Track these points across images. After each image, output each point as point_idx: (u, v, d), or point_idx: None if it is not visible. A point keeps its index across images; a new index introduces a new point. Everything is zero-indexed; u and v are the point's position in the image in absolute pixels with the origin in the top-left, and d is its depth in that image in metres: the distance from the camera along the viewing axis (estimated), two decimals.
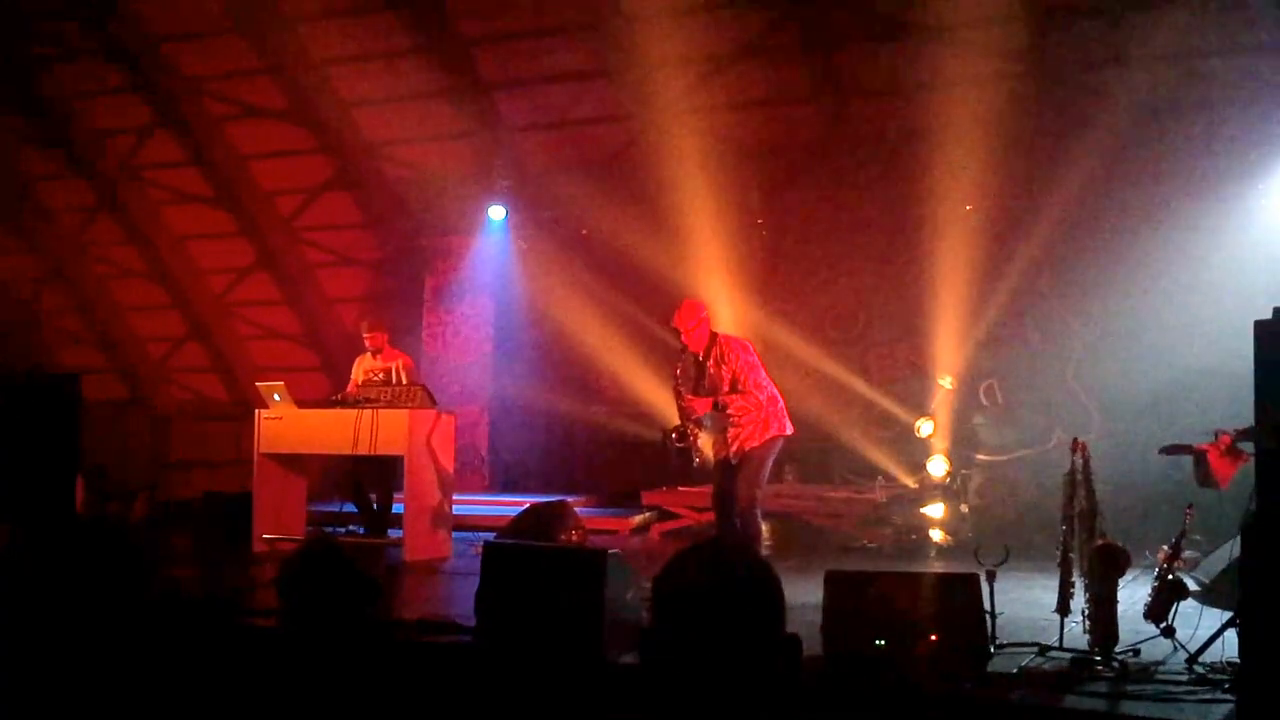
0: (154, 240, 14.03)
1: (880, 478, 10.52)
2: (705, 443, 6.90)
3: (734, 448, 6.74)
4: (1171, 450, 5.53)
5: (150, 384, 14.98)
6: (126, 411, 13.64)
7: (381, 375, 8.82)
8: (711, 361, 6.81)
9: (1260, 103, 9.14)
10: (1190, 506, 5.33)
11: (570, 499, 10.15)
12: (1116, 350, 9.52)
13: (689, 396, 6.79)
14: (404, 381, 8.71)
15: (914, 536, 9.38)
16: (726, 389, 6.71)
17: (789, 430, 6.89)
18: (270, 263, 13.81)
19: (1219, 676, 4.52)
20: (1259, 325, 3.96)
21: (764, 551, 6.90)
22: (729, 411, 6.72)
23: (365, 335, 9.00)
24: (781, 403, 6.89)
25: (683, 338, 6.82)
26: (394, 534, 8.66)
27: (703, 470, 6.99)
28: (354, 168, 12.84)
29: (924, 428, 10.53)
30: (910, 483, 10.43)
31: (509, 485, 12.34)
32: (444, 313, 13.15)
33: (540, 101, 11.78)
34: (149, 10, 11.71)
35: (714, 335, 6.87)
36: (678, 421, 6.86)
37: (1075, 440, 5.23)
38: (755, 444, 6.72)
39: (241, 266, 13.98)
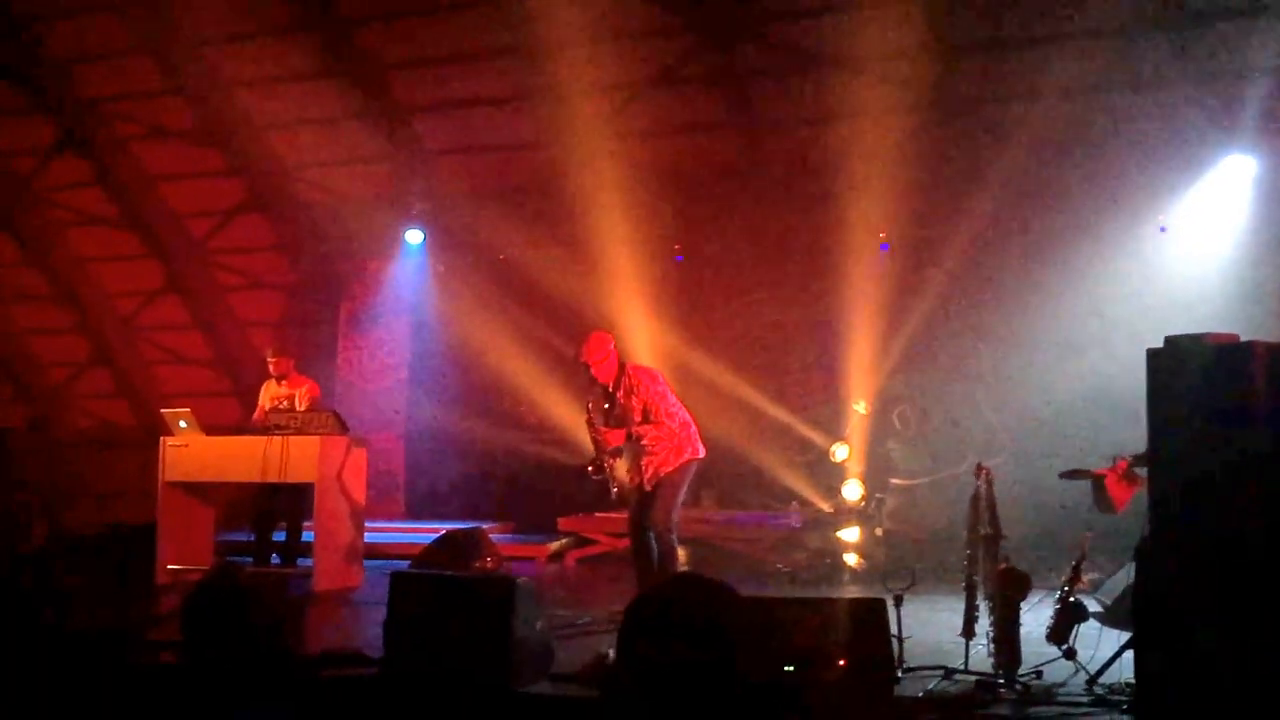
0: (56, 262, 13.67)
1: (795, 502, 10.59)
2: (621, 471, 6.90)
3: (648, 474, 6.77)
4: (1071, 475, 5.64)
5: (52, 410, 14.55)
6: (26, 438, 13.22)
7: (287, 402, 8.69)
8: (621, 392, 6.83)
9: (1159, 138, 9.44)
10: (1089, 531, 5.44)
11: (486, 525, 10.08)
12: (1023, 374, 9.73)
13: (603, 430, 6.80)
14: (303, 408, 8.59)
15: (829, 560, 9.44)
16: (638, 419, 6.73)
17: (701, 453, 6.92)
18: (180, 286, 13.54)
19: (1118, 697, 4.60)
20: (1151, 354, 4.07)
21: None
22: (643, 442, 6.75)
23: (270, 360, 8.88)
24: (693, 427, 6.92)
25: (591, 371, 6.82)
26: (303, 563, 8.50)
27: (620, 500, 6.99)
28: (267, 190, 12.67)
29: (839, 452, 10.65)
30: (825, 507, 10.52)
31: (425, 512, 12.19)
32: (359, 337, 13.00)
33: (458, 125, 11.74)
34: (53, 31, 11.45)
35: (623, 366, 6.88)
36: (593, 454, 6.85)
37: (979, 465, 5.31)
38: (669, 469, 6.76)
39: (150, 289, 13.68)
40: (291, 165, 12.33)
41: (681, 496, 6.91)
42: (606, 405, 6.85)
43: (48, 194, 13.22)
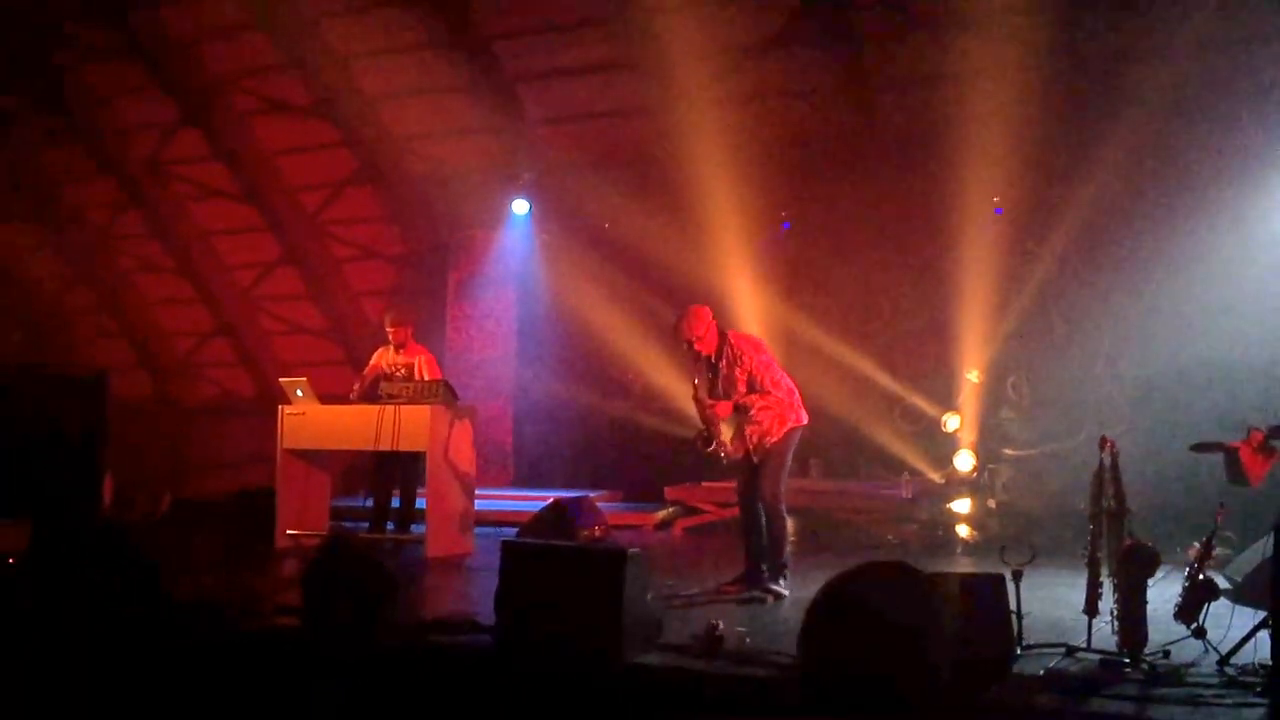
0: (180, 235, 14.10)
1: (906, 473, 10.43)
2: (727, 436, 6.84)
3: (753, 443, 6.69)
4: (1202, 448, 5.41)
5: (177, 380, 15.06)
6: (153, 408, 13.71)
7: (404, 370, 8.79)
8: (724, 363, 6.74)
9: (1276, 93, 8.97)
10: (1222, 505, 5.22)
11: (593, 494, 10.15)
12: (1145, 344, 9.39)
13: (711, 402, 6.73)
14: (425, 377, 8.68)
15: (940, 532, 9.31)
16: (743, 389, 6.65)
17: (805, 420, 6.80)
18: (296, 257, 13.84)
19: (1251, 679, 4.43)
20: None
21: (788, 547, 6.80)
22: (750, 412, 6.69)
23: (389, 329, 8.95)
24: (797, 394, 6.81)
25: (695, 346, 6.73)
26: (417, 530, 8.65)
27: (734, 465, 6.90)
28: (377, 162, 12.84)
29: (951, 422, 10.44)
30: (937, 478, 10.34)
31: (533, 480, 12.33)
32: (468, 307, 13.14)
33: (562, 95, 11.72)
34: (174, 9, 11.75)
35: (724, 335, 6.78)
36: (701, 427, 6.79)
37: (1103, 438, 5.13)
38: (774, 438, 6.67)
39: (267, 261, 14.02)
40: (400, 137, 12.47)
41: (788, 466, 6.82)
42: (711, 375, 6.78)
43: (172, 168, 13.62)
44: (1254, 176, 9.24)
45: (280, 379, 9.05)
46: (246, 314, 14.50)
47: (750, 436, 6.71)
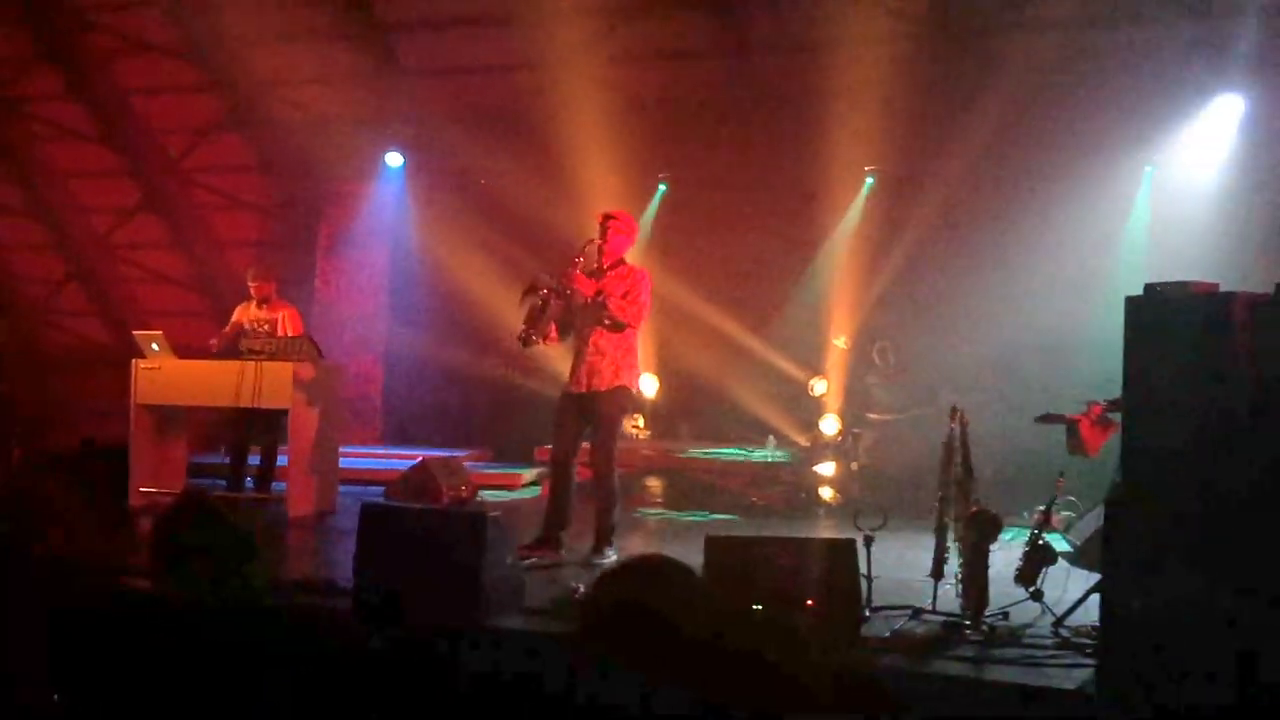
0: (33, 177, 13.44)
1: (772, 436, 10.61)
2: (546, 321, 6.52)
3: (586, 380, 6.50)
4: (1046, 419, 5.62)
5: (30, 327, 14.41)
6: (2, 356, 13.10)
7: (266, 326, 8.61)
8: (613, 275, 6.54)
9: (1151, 76, 9.30)
10: (1062, 474, 5.45)
11: (462, 454, 10.09)
12: (1003, 316, 9.68)
13: (577, 275, 6.47)
14: (289, 333, 8.49)
15: (804, 495, 9.50)
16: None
17: (636, 388, 6.77)
18: (158, 204, 13.34)
19: (1082, 640, 4.64)
20: (1130, 302, 4.02)
21: (616, 514, 6.64)
22: (605, 316, 6.42)
23: (251, 284, 8.77)
24: (639, 365, 6.76)
25: (607, 233, 6.52)
26: (278, 488, 8.49)
27: (524, 341, 6.54)
28: (246, 108, 12.42)
29: (818, 386, 10.66)
30: (803, 441, 10.55)
31: (401, 438, 12.18)
32: (338, 260, 12.87)
33: (440, 46, 11.49)
34: None
35: (624, 260, 6.63)
36: (545, 284, 6.48)
37: (953, 408, 5.30)
38: (604, 387, 6.47)
39: (127, 207, 13.48)
40: (269, 82, 12.07)
41: (619, 430, 6.72)
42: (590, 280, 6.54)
43: (25, 105, 12.95)
44: (1109, 156, 9.59)
45: (135, 332, 8.74)
46: (104, 261, 13.94)
47: (585, 372, 6.50)
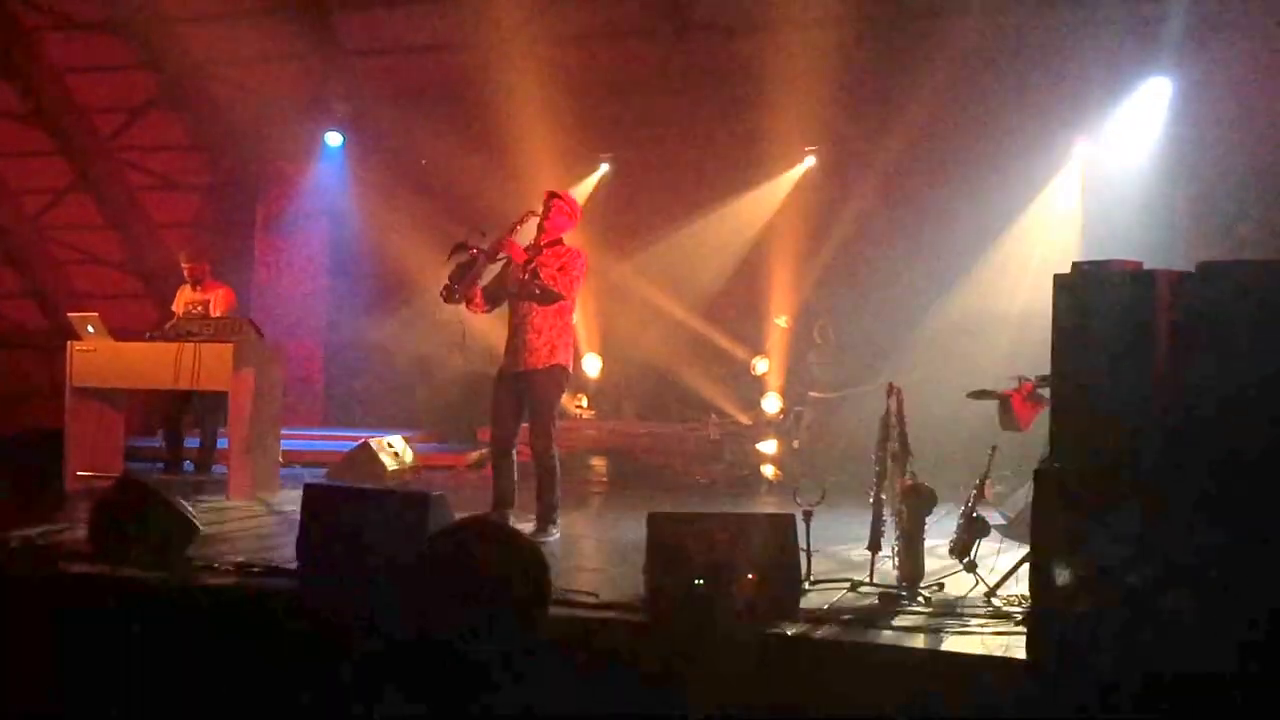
0: None
1: (714, 415, 10.72)
2: (471, 281, 6.44)
3: (522, 359, 6.46)
4: (979, 395, 5.75)
5: None
6: None
7: (200, 308, 8.55)
8: (549, 252, 6.48)
9: (1081, 56, 9.48)
10: (994, 448, 5.59)
11: (406, 434, 10.06)
12: (938, 295, 9.86)
13: (511, 240, 6.40)
14: (217, 314, 8.45)
15: (746, 473, 9.61)
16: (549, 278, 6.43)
17: (573, 367, 6.75)
18: (90, 184, 13.10)
19: (1013, 609, 4.77)
20: (1057, 279, 4.14)
21: (558, 494, 6.62)
22: (535, 291, 6.35)
23: (184, 266, 8.72)
24: (575, 343, 6.77)
25: (549, 213, 6.46)
26: (219, 471, 8.43)
27: (448, 296, 6.47)
28: (180, 86, 12.23)
29: (759, 365, 10.79)
30: (744, 420, 10.67)
31: (344, 420, 12.12)
32: (277, 241, 12.75)
33: (379, 25, 11.40)
34: None
35: (562, 240, 6.58)
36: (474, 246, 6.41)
37: (890, 384, 5.41)
38: (540, 365, 6.44)
39: (57, 188, 13.22)
40: (206, 61, 11.89)
41: (556, 412, 6.69)
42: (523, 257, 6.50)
43: None
44: (1041, 138, 9.78)
45: (70, 314, 8.61)
46: (36, 243, 13.67)
47: (527, 344, 6.44)
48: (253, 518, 7.62)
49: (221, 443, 8.36)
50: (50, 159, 12.92)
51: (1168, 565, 3.79)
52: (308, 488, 5.38)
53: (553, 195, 6.66)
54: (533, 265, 6.46)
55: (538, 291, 6.41)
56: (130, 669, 4.96)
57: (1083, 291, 4.07)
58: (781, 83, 10.00)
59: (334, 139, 12.06)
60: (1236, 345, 3.82)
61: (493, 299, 6.63)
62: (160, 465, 8.68)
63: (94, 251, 13.57)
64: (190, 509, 5.93)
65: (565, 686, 4.36)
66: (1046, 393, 4.92)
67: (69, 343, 8.28)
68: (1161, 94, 9.62)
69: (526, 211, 6.66)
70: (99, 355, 8.19)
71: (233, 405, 7.94)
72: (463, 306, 6.64)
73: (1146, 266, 4.10)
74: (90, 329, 8.22)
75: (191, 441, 8.74)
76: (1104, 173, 9.72)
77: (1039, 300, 4.71)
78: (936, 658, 4.32)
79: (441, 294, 6.54)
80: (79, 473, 8.18)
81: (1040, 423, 5.55)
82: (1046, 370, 4.68)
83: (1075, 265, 4.17)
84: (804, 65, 9.80)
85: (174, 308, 8.84)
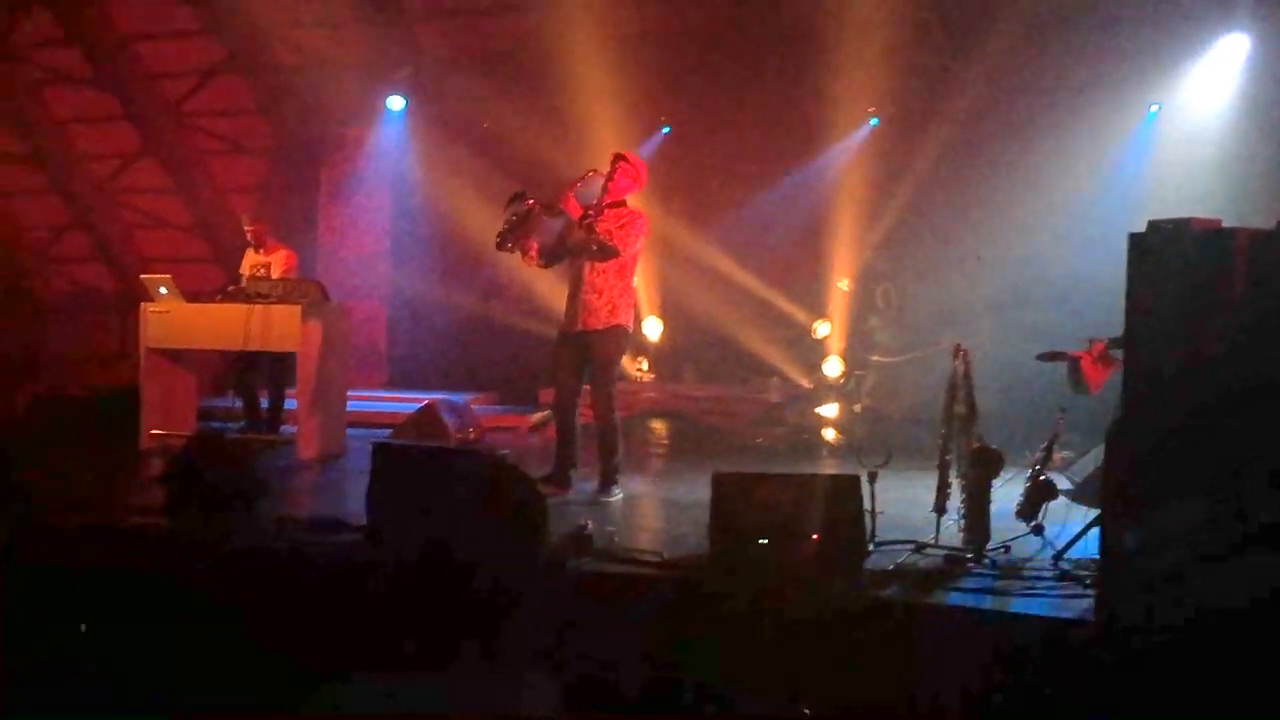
0: (33, 123, 13.37)
1: (776, 378, 10.68)
2: (526, 232, 6.44)
3: (582, 319, 6.47)
4: (1048, 356, 5.68)
5: (31, 274, 14.42)
6: (5, 304, 13.13)
7: (264, 270, 8.68)
8: (610, 213, 6.45)
9: (1154, 12, 9.25)
10: (1062, 410, 5.52)
11: (468, 397, 10.17)
12: (1004, 257, 9.71)
13: (569, 195, 6.40)
14: (278, 275, 8.58)
15: (807, 436, 9.59)
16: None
17: (633, 328, 6.75)
18: (158, 149, 13.29)
19: (1081, 572, 4.73)
20: (1133, 238, 4.07)
21: (619, 456, 6.64)
22: (592, 247, 6.32)
23: (246, 228, 8.86)
24: (636, 306, 6.74)
25: (614, 174, 6.46)
26: (287, 431, 8.57)
27: (499, 246, 6.49)
28: (244, 51, 12.34)
29: (820, 329, 10.73)
30: (805, 383, 10.63)
31: (407, 382, 12.25)
32: (341, 205, 12.87)
33: None
34: None
35: (625, 203, 6.57)
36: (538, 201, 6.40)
37: (957, 346, 5.35)
38: (600, 325, 6.44)
39: (127, 153, 13.42)
40: (270, 25, 11.98)
41: (617, 373, 6.70)
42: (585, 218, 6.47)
43: (19, 50, 12.86)
44: (1113, 95, 9.57)
45: (142, 276, 8.78)
46: (105, 207, 13.91)
47: (587, 305, 6.44)
48: (322, 476, 7.76)
49: (290, 404, 8.49)
50: (118, 124, 13.11)
51: (1243, 528, 3.74)
52: (377, 445, 5.46)
53: (619, 157, 6.65)
54: (589, 220, 6.44)
55: (595, 247, 6.39)
56: (195, 624, 5.08)
57: (1159, 250, 4.00)
58: (844, 43, 9.87)
59: (396, 103, 12.12)
60: None
61: (551, 255, 6.64)
62: (233, 425, 8.84)
63: (162, 216, 13.78)
64: (261, 466, 6.05)
65: (627, 641, 4.40)
66: (1118, 354, 4.85)
67: (142, 304, 8.45)
68: (1238, 51, 9.36)
69: (590, 170, 6.66)
70: (171, 317, 8.34)
71: (301, 365, 8.06)
72: (519, 257, 6.64)
73: (1224, 225, 4.02)
74: (163, 290, 8.37)
75: (262, 402, 8.89)
76: (1181, 132, 9.50)
77: (1110, 262, 4.63)
78: (1003, 618, 4.30)
79: (496, 241, 6.55)
80: (153, 431, 8.37)
81: (1109, 386, 5.50)
82: (1117, 332, 4.62)
83: (1151, 224, 4.09)
84: (869, 24, 9.66)
85: (241, 270, 8.98)
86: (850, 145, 10.94)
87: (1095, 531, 4.70)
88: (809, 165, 11.00)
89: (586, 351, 6.55)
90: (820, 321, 10.66)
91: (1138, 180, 9.31)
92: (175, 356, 8.60)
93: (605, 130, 10.55)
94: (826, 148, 10.88)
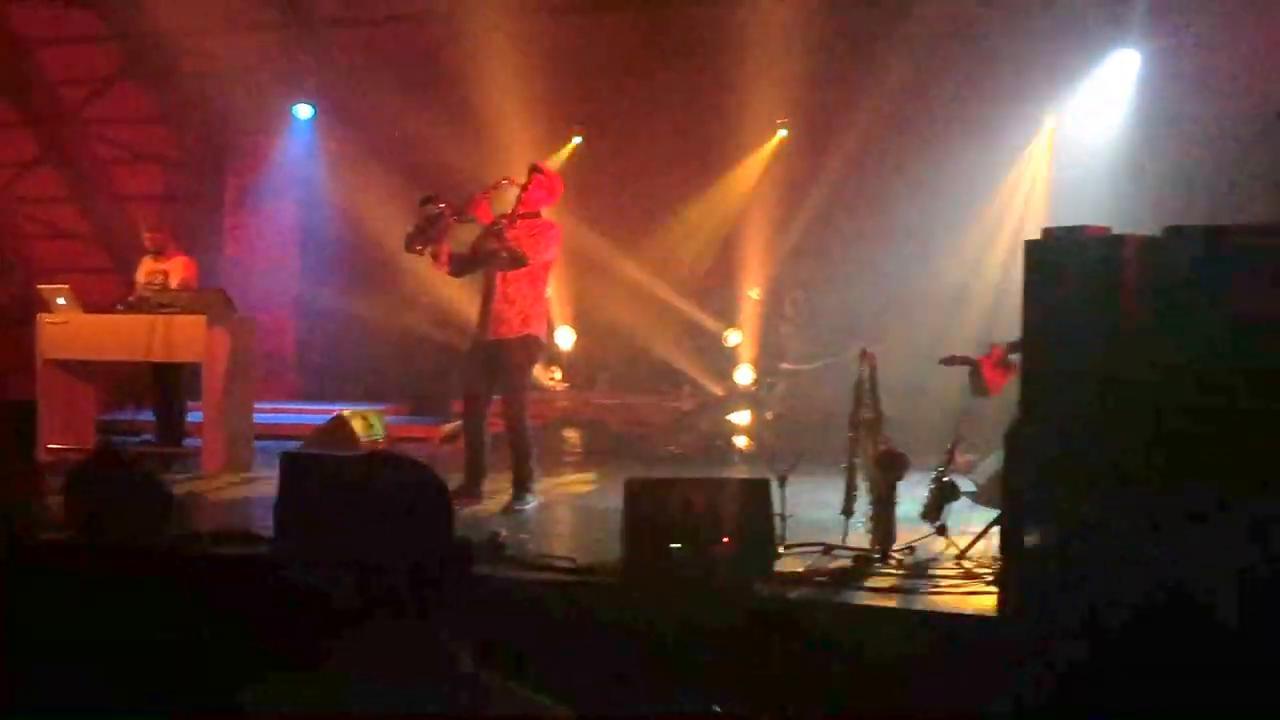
0: None
1: (688, 386, 10.77)
2: (436, 237, 6.39)
3: (493, 327, 6.46)
4: (950, 360, 5.83)
5: None
6: None
7: (161, 278, 8.48)
8: (523, 223, 6.43)
9: (1049, 27, 9.55)
10: (964, 414, 5.67)
11: (379, 407, 10.05)
12: (912, 263, 9.92)
13: (482, 201, 6.36)
14: (176, 284, 8.41)
15: (719, 443, 9.67)
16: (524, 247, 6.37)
17: (545, 337, 6.78)
18: (56, 157, 12.95)
19: (983, 570, 4.86)
20: (1028, 244, 4.20)
21: (533, 465, 6.66)
22: (501, 254, 6.30)
23: (145, 235, 8.67)
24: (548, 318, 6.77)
25: (528, 185, 6.43)
26: (191, 443, 8.41)
27: (408, 248, 6.44)
28: (147, 58, 12.09)
29: (732, 337, 10.84)
30: (717, 391, 10.73)
31: (316, 393, 12.07)
32: (247, 214, 12.67)
33: None
34: None
35: (540, 214, 6.56)
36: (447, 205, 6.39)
37: (863, 351, 5.47)
38: (511, 334, 6.44)
39: (24, 160, 13.05)
40: (173, 31, 11.75)
41: (529, 381, 6.70)
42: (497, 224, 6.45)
43: None
44: (1011, 108, 9.85)
45: (40, 285, 8.55)
46: (2, 216, 13.50)
47: (498, 314, 6.42)
48: (228, 488, 7.62)
49: (194, 416, 8.33)
50: (16, 130, 12.75)
51: (1137, 525, 3.88)
52: (285, 456, 5.40)
53: (535, 169, 6.66)
54: (498, 227, 6.42)
55: (505, 254, 6.37)
56: (104, 636, 4.96)
57: (1053, 256, 4.14)
58: (752, 55, 10.00)
59: (304, 111, 11.96)
60: (1201, 306, 3.89)
61: (462, 265, 6.62)
62: (134, 438, 8.64)
63: (60, 225, 13.42)
64: (166, 480, 5.93)
65: (547, 650, 4.41)
66: (1016, 359, 5.00)
67: (39, 315, 8.22)
68: (1129, 65, 9.71)
69: (503, 177, 6.65)
70: (70, 327, 8.14)
71: (206, 376, 7.91)
72: (430, 264, 6.61)
73: (1115, 232, 4.17)
74: (61, 300, 8.16)
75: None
76: (1074, 144, 9.81)
77: (1011, 270, 4.78)
78: (909, 615, 4.40)
79: (404, 242, 6.51)
80: (50, 445, 8.14)
81: (1009, 390, 5.65)
82: (1015, 337, 4.77)
83: (1045, 231, 4.24)
84: (777, 37, 9.80)
85: (136, 277, 8.74)
86: (759, 156, 11.09)
87: (996, 531, 4.84)
88: (718, 175, 11.12)
89: (498, 360, 6.54)
90: (731, 330, 10.77)
91: (1034, 190, 9.61)
92: (74, 368, 8.38)
93: (517, 140, 10.53)
94: (736, 158, 11.01)
